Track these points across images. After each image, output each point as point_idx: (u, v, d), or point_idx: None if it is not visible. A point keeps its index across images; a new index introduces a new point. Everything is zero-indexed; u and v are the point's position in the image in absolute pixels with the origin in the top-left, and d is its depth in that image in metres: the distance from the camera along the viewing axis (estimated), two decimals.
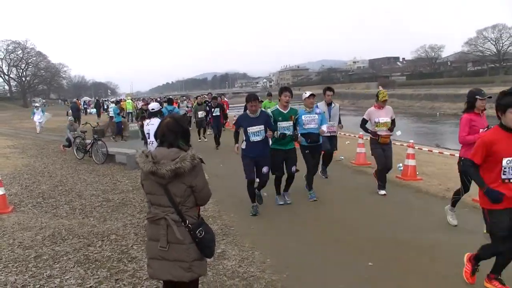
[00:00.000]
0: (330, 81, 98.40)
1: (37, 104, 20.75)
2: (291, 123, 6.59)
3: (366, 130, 7.39)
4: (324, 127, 7.06)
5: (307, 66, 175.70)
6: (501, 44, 64.69)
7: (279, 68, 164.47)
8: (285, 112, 6.61)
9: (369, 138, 7.47)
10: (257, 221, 6.26)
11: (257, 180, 6.66)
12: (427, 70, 79.60)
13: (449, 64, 79.77)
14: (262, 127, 6.23)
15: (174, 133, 2.88)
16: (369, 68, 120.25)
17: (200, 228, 2.84)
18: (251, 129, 6.24)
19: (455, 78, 61.39)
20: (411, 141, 9.38)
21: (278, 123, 6.54)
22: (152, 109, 7.80)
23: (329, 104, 8.33)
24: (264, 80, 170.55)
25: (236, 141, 6.54)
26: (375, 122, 7.18)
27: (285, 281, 4.23)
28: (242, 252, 5.00)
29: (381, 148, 7.19)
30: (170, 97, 22.32)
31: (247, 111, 6.48)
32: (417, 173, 8.64)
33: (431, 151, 11.02)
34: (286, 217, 6.36)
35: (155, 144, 3.11)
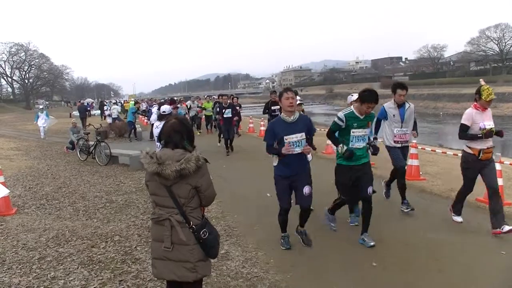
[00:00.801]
0: (332, 81, 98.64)
1: (41, 107, 19.50)
2: (367, 131, 5.03)
3: (472, 137, 5.36)
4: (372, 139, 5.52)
5: (310, 67, 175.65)
6: (503, 44, 64.66)
7: (282, 68, 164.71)
8: (361, 117, 4.91)
9: (461, 153, 5.72)
10: (260, 222, 6.25)
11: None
12: (429, 70, 79.56)
13: (451, 64, 79.65)
14: (303, 134, 4.70)
15: (180, 133, 2.88)
16: (371, 68, 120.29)
17: (204, 229, 2.85)
18: (289, 138, 4.66)
19: (458, 78, 61.28)
20: (414, 141, 9.33)
21: (352, 131, 4.91)
22: (163, 111, 7.73)
23: (400, 105, 6.24)
24: (267, 81, 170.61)
25: (275, 153, 4.81)
26: (480, 128, 5.28)
27: (289, 281, 4.22)
28: (246, 252, 5.00)
29: (479, 168, 5.46)
30: (174, 98, 22.13)
31: (282, 114, 4.84)
32: (421, 173, 8.63)
33: (434, 151, 10.98)
34: (290, 217, 6.34)
35: None
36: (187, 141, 2.90)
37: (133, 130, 18.86)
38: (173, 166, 2.71)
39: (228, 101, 13.86)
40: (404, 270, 4.44)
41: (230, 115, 13.12)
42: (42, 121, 20.06)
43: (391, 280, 4.22)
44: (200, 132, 19.85)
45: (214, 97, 22.53)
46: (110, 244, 5.27)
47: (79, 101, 41.41)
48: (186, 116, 17.53)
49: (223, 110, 13.15)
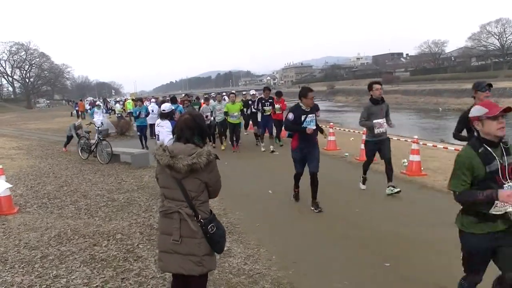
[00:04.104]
0: (334, 77, 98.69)
1: (99, 103, 17.35)
2: None
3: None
4: None
5: (311, 63, 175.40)
6: (504, 39, 64.38)
7: (283, 65, 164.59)
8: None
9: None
10: (262, 218, 6.25)
11: None
12: (431, 66, 79.31)
13: (452, 59, 79.38)
14: None
15: (191, 129, 2.95)
16: (372, 64, 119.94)
17: (212, 224, 2.89)
18: None
19: (459, 73, 61.14)
20: (416, 136, 9.34)
21: None
22: (163, 110, 7.66)
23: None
24: (268, 78, 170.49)
25: None
26: None
27: (291, 278, 4.23)
28: (248, 249, 5.01)
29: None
30: (174, 95, 21.79)
31: None
32: (422, 168, 8.60)
33: (436, 146, 10.96)
34: (292, 214, 6.35)
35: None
36: (198, 137, 2.96)
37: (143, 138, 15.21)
38: (185, 160, 2.77)
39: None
40: (406, 266, 4.44)
41: (269, 114, 12.00)
42: (100, 118, 17.74)
43: (392, 276, 4.23)
44: (224, 147, 13.56)
45: (245, 92, 16.86)
46: (112, 242, 5.27)
47: (80, 100, 41.41)
48: (209, 119, 13.35)
49: (264, 107, 12.00)
